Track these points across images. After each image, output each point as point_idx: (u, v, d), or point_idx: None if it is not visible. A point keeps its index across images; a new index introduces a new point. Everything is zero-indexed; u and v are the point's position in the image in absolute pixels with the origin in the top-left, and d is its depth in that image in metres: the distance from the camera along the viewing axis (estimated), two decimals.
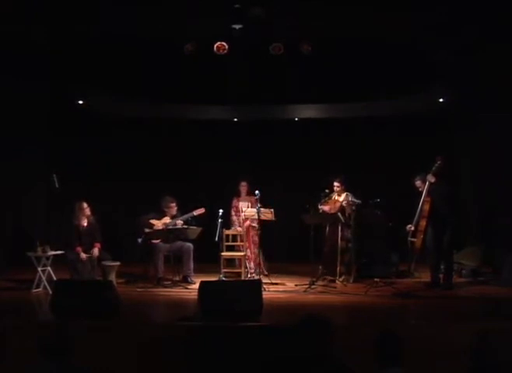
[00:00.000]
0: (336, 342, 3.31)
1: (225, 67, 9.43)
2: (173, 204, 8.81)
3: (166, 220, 8.75)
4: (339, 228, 8.47)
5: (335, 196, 8.67)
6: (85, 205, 8.39)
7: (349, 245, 8.53)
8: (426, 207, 7.90)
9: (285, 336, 4.91)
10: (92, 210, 8.47)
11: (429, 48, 9.23)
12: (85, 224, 8.42)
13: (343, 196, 8.60)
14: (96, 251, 8.23)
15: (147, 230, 8.60)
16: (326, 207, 8.61)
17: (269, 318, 6.18)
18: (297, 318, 3.38)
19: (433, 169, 7.88)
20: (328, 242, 8.62)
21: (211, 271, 8.76)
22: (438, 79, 9.55)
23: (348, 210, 8.49)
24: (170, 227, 8.58)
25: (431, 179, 7.90)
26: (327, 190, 8.61)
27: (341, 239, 8.48)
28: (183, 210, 8.84)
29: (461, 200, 8.94)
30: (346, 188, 8.66)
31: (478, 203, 9.74)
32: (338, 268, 8.45)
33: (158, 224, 8.71)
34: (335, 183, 8.65)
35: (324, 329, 3.29)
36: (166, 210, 8.80)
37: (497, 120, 9.15)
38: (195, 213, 8.64)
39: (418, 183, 8.07)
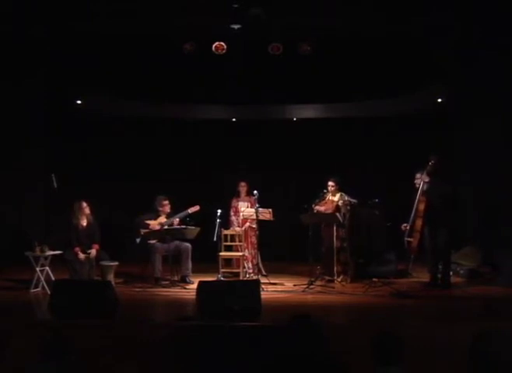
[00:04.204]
0: (335, 341, 3.32)
1: (223, 67, 9.44)
2: (166, 202, 8.80)
3: (162, 219, 8.74)
4: (334, 227, 8.47)
5: (330, 197, 8.65)
6: (84, 204, 8.40)
7: (345, 244, 8.53)
8: (421, 206, 7.90)
9: (280, 336, 4.91)
10: (91, 210, 8.47)
11: (429, 48, 9.25)
12: (85, 223, 8.41)
13: (337, 196, 8.59)
14: (93, 252, 8.22)
15: (143, 231, 8.60)
16: (322, 208, 8.59)
17: (268, 318, 6.17)
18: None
19: (427, 168, 7.89)
20: (325, 242, 8.61)
21: (209, 271, 8.76)
22: (438, 79, 9.56)
23: (343, 210, 8.49)
24: (167, 227, 8.57)
25: (425, 178, 7.91)
26: (325, 190, 8.62)
27: (336, 239, 8.47)
28: (178, 208, 8.83)
29: (461, 200, 8.95)
30: (340, 188, 8.65)
31: (477, 203, 9.74)
32: (335, 268, 8.46)
33: (154, 224, 8.71)
34: (330, 183, 8.62)
35: (312, 326, 3.31)
36: (160, 209, 8.79)
37: (497, 119, 9.17)
38: (190, 211, 8.62)
39: (417, 181, 8.03)
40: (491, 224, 9.29)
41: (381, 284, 7.92)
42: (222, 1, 8.42)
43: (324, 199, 8.61)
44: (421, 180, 7.95)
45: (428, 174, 7.90)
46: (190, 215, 8.64)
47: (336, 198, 8.59)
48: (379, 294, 7.60)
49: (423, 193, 7.92)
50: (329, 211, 8.52)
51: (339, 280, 8.38)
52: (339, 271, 8.48)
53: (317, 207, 8.56)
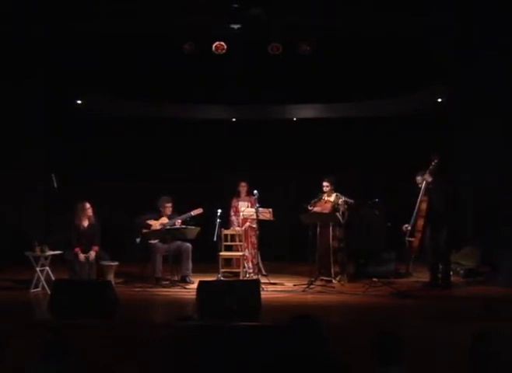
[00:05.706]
0: (335, 341, 3.32)
1: (223, 67, 9.44)
2: (169, 204, 8.78)
3: (164, 220, 8.74)
4: (330, 228, 8.46)
5: (325, 197, 8.64)
6: (87, 205, 8.38)
7: (342, 244, 8.53)
8: (424, 206, 7.90)
9: (280, 336, 4.92)
10: (94, 211, 8.46)
11: (429, 48, 9.25)
12: (86, 224, 8.40)
13: (333, 196, 8.57)
14: (92, 254, 8.19)
15: (144, 230, 8.60)
16: (318, 209, 8.56)
17: (268, 318, 6.17)
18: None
19: (430, 168, 7.87)
20: (322, 243, 8.58)
21: (209, 271, 8.76)
22: (438, 79, 9.56)
23: (341, 209, 8.48)
24: (168, 227, 8.57)
25: (428, 178, 7.90)
26: (324, 190, 8.62)
27: (332, 239, 8.46)
28: (180, 210, 8.83)
29: (460, 200, 8.95)
30: (336, 188, 8.64)
31: (477, 203, 9.75)
32: (332, 268, 8.45)
33: (156, 224, 8.71)
34: (324, 183, 8.60)
35: (312, 326, 3.31)
36: (161, 210, 8.79)
37: (497, 119, 9.17)
38: (193, 213, 8.62)
39: (419, 179, 8.02)
40: (491, 224, 9.28)
41: (381, 283, 7.92)
42: (222, 1, 8.43)
43: (320, 200, 8.61)
44: (423, 180, 7.94)
45: (431, 174, 7.89)
46: (193, 217, 8.64)
47: (332, 198, 8.57)
48: (379, 294, 7.60)
49: (426, 192, 7.92)
50: (325, 212, 8.51)
51: (337, 279, 8.38)
52: (337, 272, 8.47)
53: (314, 208, 8.54)
